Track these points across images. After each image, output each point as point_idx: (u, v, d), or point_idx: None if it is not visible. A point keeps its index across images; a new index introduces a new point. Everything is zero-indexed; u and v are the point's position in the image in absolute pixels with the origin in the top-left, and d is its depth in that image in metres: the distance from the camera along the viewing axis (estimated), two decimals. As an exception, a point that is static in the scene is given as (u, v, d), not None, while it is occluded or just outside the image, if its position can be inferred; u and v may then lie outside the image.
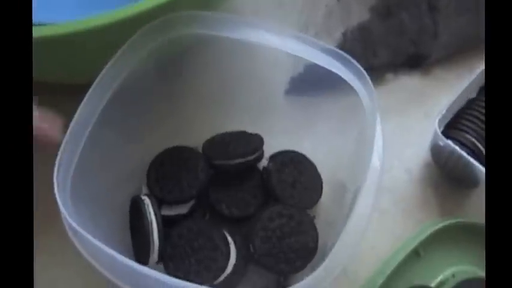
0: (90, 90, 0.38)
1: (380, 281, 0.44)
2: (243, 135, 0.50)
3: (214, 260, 0.42)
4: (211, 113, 0.52)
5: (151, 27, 0.42)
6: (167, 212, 0.45)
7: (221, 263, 0.42)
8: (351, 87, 0.46)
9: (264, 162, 0.49)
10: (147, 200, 0.43)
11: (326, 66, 0.43)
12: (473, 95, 0.51)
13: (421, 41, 0.55)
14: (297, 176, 0.48)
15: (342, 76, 0.42)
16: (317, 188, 0.48)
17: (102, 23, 0.39)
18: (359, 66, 0.42)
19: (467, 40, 0.57)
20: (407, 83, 0.57)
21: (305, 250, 0.43)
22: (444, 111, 0.47)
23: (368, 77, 0.41)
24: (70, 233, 0.33)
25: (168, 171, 0.47)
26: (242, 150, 0.47)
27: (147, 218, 0.42)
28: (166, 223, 0.43)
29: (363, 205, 0.36)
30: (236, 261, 0.43)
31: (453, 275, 0.46)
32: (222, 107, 0.52)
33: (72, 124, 0.37)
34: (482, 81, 0.52)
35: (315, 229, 0.45)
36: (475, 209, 0.50)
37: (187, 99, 0.52)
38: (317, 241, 0.44)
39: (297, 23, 0.57)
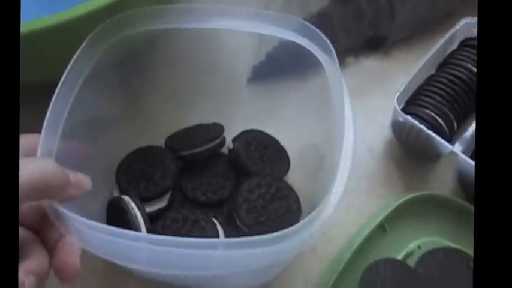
0: (54, 97, 0.37)
1: (347, 256, 0.45)
2: (203, 126, 0.52)
3: None
4: (173, 109, 0.53)
5: (108, 24, 0.42)
6: (148, 209, 0.46)
7: None
8: (312, 72, 0.47)
9: (228, 148, 0.50)
10: (126, 198, 0.43)
11: (291, 39, 0.43)
12: (432, 71, 0.53)
13: (379, 24, 0.56)
14: (263, 150, 0.50)
15: (303, 45, 0.43)
16: (284, 159, 0.50)
17: (61, 20, 0.39)
18: (323, 36, 0.42)
19: (424, 21, 0.58)
20: (368, 66, 0.58)
21: (289, 213, 0.45)
22: (402, 89, 0.48)
23: (331, 46, 0.41)
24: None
25: (137, 171, 0.48)
26: (205, 137, 0.49)
27: (131, 213, 0.42)
28: (152, 219, 0.44)
29: (343, 171, 0.38)
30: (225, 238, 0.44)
31: (419, 247, 0.47)
32: (184, 101, 0.53)
33: (44, 128, 0.36)
34: (440, 58, 0.53)
35: (294, 192, 0.46)
36: (437, 181, 0.51)
37: (149, 96, 0.53)
38: (299, 202, 0.46)
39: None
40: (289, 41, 0.44)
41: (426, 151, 0.49)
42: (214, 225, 0.45)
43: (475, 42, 0.52)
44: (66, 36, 0.41)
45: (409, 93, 0.50)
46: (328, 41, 0.42)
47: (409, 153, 0.52)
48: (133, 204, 0.42)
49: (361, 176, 0.51)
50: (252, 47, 0.56)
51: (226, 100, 0.53)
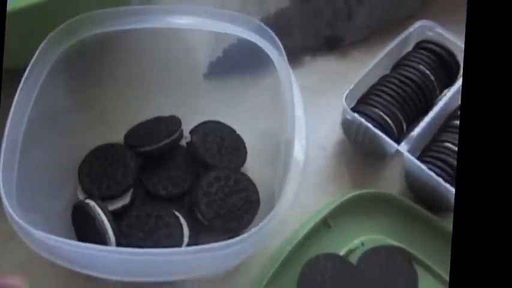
0: (14, 105, 0.38)
1: (288, 249, 0.45)
2: (160, 119, 0.52)
3: (169, 236, 0.44)
4: (132, 104, 0.53)
5: (60, 30, 0.43)
6: (112, 207, 0.46)
7: (176, 236, 0.44)
8: (266, 69, 0.47)
9: (186, 141, 0.51)
10: (92, 203, 0.43)
11: (239, 34, 0.45)
12: (387, 72, 0.53)
13: (336, 24, 0.57)
14: (220, 142, 0.50)
15: (254, 41, 0.44)
16: (241, 149, 0.51)
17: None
18: (273, 35, 0.43)
19: (382, 23, 0.59)
20: (324, 65, 0.58)
21: (249, 204, 0.46)
22: (352, 87, 0.49)
23: (281, 44, 0.42)
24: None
25: (99, 170, 0.48)
26: (164, 132, 0.49)
27: (98, 218, 0.42)
28: (116, 218, 0.44)
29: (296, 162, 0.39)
30: (189, 232, 0.45)
31: (362, 244, 0.48)
32: (143, 96, 0.53)
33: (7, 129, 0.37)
34: (395, 59, 0.54)
35: (253, 183, 0.47)
36: (387, 181, 0.51)
37: (108, 93, 0.53)
38: (258, 193, 0.47)
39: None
40: (246, 38, 0.46)
41: (373, 150, 0.49)
42: (178, 219, 0.45)
43: (429, 45, 0.53)
44: (21, 25, 0.41)
45: (360, 93, 0.51)
46: (277, 39, 0.42)
47: (360, 153, 0.52)
48: (99, 210, 0.43)
49: (311, 173, 0.51)
50: (209, 44, 0.56)
51: (184, 95, 0.53)
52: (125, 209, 0.46)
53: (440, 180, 0.45)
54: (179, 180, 0.48)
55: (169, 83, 0.53)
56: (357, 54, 0.59)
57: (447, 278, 0.46)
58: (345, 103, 0.48)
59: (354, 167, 0.52)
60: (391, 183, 0.51)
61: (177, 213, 0.45)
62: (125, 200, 0.46)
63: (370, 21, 0.58)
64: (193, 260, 0.34)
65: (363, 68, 0.55)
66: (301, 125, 0.40)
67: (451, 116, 0.51)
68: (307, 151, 0.39)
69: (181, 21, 0.46)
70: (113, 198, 0.46)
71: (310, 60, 0.58)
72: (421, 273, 0.47)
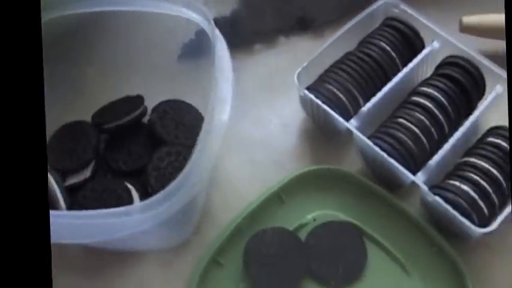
0: None
1: (237, 220, 0.47)
2: (126, 99, 0.55)
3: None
4: (106, 84, 0.56)
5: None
6: (74, 180, 0.50)
7: None
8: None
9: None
10: (49, 176, 0.47)
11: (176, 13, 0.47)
12: (351, 48, 0.53)
13: (308, 5, 0.58)
14: (179, 118, 0.52)
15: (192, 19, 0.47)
16: (200, 126, 0.52)
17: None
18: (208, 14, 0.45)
19: (357, 3, 0.58)
20: (298, 45, 0.59)
21: None
22: (305, 64, 0.50)
23: (211, 19, 0.45)
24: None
25: (63, 146, 0.51)
26: (126, 109, 0.52)
27: (51, 189, 0.46)
28: (75, 190, 0.48)
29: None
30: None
31: (314, 219, 0.49)
32: (117, 77, 0.56)
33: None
34: (360, 36, 0.54)
35: None
36: (348, 158, 0.52)
37: (83, 73, 0.56)
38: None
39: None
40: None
41: (328, 127, 0.50)
42: (130, 192, 0.48)
43: (393, 22, 0.53)
44: None
45: (320, 70, 0.52)
46: (208, 14, 0.44)
47: (321, 131, 0.53)
48: (53, 182, 0.46)
49: (273, 151, 0.53)
50: (183, 27, 0.58)
51: (158, 76, 0.56)
52: (86, 182, 0.49)
53: (385, 154, 0.46)
54: (138, 155, 0.51)
55: (145, 65, 0.56)
56: (331, 34, 0.59)
57: (398, 255, 0.47)
58: (296, 80, 0.49)
59: (316, 144, 0.53)
60: (352, 161, 0.52)
61: (130, 187, 0.47)
62: (86, 173, 0.49)
63: (344, 2, 0.58)
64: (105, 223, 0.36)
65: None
66: (225, 89, 0.42)
67: (412, 92, 0.50)
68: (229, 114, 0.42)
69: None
70: (74, 172, 0.49)
71: (285, 40, 0.59)
72: (372, 248, 0.48)
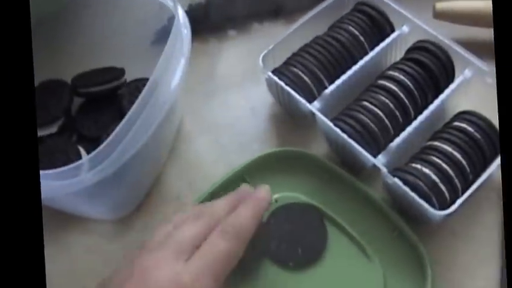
0: None
1: (201, 199, 0.47)
2: (110, 69, 0.56)
3: None
4: (83, 68, 0.57)
5: None
6: (40, 133, 0.51)
7: None
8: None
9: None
10: None
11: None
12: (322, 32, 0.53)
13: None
14: None
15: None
16: None
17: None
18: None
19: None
20: (271, 31, 0.59)
21: None
22: (271, 47, 0.50)
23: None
24: None
25: (38, 98, 0.52)
26: (103, 79, 0.54)
27: None
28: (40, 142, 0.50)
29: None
30: None
31: (276, 200, 0.48)
32: (94, 60, 0.56)
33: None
34: (331, 20, 0.53)
35: None
36: (313, 142, 0.52)
37: (63, 55, 0.57)
38: None
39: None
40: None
41: (292, 109, 0.50)
42: (80, 158, 0.49)
43: (363, 7, 0.53)
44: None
45: (287, 54, 0.51)
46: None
47: (288, 113, 0.53)
48: None
49: (239, 133, 0.53)
50: (156, 13, 0.58)
51: (132, 60, 0.56)
52: (50, 137, 0.51)
53: (345, 136, 0.45)
54: (103, 124, 0.52)
55: (121, 50, 0.56)
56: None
57: (359, 238, 0.46)
58: (261, 63, 0.49)
59: (283, 128, 0.53)
60: (319, 144, 0.51)
61: (83, 152, 0.48)
62: (52, 129, 0.51)
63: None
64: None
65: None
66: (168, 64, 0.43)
67: (379, 76, 0.50)
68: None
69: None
70: (41, 125, 0.51)
71: (258, 26, 0.59)
72: (333, 232, 0.47)
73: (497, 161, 0.46)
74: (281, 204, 0.48)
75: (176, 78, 0.44)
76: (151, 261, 0.36)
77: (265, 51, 0.49)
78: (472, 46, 0.55)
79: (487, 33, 0.57)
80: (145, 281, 0.35)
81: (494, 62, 0.55)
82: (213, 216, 0.39)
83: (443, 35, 0.50)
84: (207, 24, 0.59)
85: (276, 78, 0.48)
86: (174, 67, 0.45)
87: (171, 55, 0.44)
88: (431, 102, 0.48)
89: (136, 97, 0.52)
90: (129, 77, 0.55)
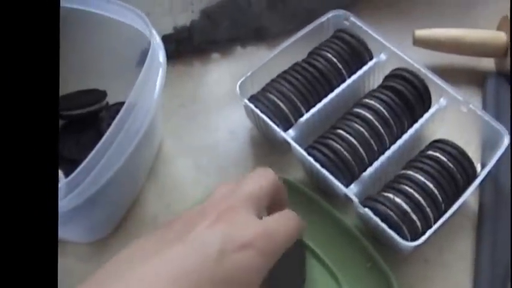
0: None
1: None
2: (92, 91, 0.57)
3: None
4: (68, 86, 0.57)
5: None
6: None
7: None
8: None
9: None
10: None
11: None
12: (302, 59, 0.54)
13: (264, 15, 0.58)
14: None
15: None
16: None
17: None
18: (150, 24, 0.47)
19: (313, 14, 0.59)
20: (254, 54, 0.60)
21: None
22: (249, 74, 0.50)
23: (147, 20, 0.47)
24: None
25: None
26: (84, 102, 0.55)
27: None
28: None
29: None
30: None
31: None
32: (80, 80, 0.57)
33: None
34: (311, 47, 0.54)
35: None
36: (290, 167, 0.52)
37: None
38: None
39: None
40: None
41: (269, 135, 0.51)
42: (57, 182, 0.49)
43: (341, 34, 0.53)
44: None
45: (266, 80, 0.52)
46: (153, 31, 0.45)
47: (266, 140, 0.53)
48: None
49: (216, 155, 0.53)
50: (140, 36, 0.59)
51: (117, 81, 0.57)
52: None
53: (318, 165, 0.46)
54: (84, 147, 0.53)
55: (106, 71, 0.57)
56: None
57: (332, 267, 0.47)
58: (238, 90, 0.49)
59: (261, 152, 0.53)
60: (295, 170, 0.52)
61: (61, 174, 0.49)
62: None
63: (300, 12, 0.59)
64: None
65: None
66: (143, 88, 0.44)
67: (355, 104, 0.51)
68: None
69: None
70: None
71: (241, 50, 0.60)
72: (308, 259, 0.47)
73: (471, 189, 0.46)
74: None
75: (153, 102, 0.45)
76: (228, 205, 0.36)
77: (243, 79, 0.50)
78: (450, 73, 0.56)
79: (465, 61, 0.58)
80: (232, 219, 0.35)
81: (470, 90, 0.56)
82: None
83: (420, 62, 0.51)
84: (191, 47, 0.60)
85: (252, 106, 0.48)
86: (151, 91, 0.46)
87: (147, 79, 0.45)
88: (408, 130, 0.49)
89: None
90: (114, 97, 0.56)
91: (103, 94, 0.55)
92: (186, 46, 0.59)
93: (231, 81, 0.58)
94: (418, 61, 0.51)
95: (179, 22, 0.60)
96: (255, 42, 0.60)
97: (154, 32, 0.47)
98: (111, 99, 0.56)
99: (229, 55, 0.60)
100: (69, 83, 0.56)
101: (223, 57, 0.60)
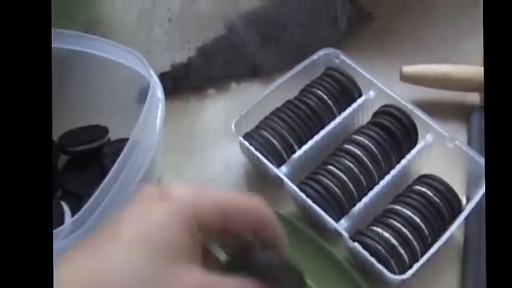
0: None
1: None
2: (95, 127, 0.59)
3: None
4: (68, 125, 0.60)
5: None
6: None
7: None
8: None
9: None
10: None
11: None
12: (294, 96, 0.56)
13: (258, 54, 0.61)
14: None
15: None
16: None
17: None
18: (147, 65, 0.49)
19: (305, 51, 0.61)
20: (248, 90, 0.62)
21: None
22: (243, 112, 0.52)
23: (145, 62, 0.49)
24: None
25: None
26: (87, 138, 0.57)
27: None
28: None
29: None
30: None
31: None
32: (81, 117, 0.59)
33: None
34: (303, 84, 0.56)
35: None
36: (283, 202, 0.54)
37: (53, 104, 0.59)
38: None
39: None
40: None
41: (262, 171, 0.53)
42: (62, 214, 0.51)
43: (331, 72, 0.56)
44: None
45: (260, 116, 0.54)
46: (151, 72, 0.47)
47: (261, 175, 0.55)
48: None
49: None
50: (139, 75, 0.61)
51: (118, 118, 0.59)
52: None
53: (309, 201, 0.48)
54: (87, 182, 0.55)
55: (107, 108, 0.59)
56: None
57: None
58: (233, 128, 0.51)
59: (255, 186, 0.55)
60: (288, 204, 0.54)
61: (66, 209, 0.51)
62: None
63: (292, 49, 0.61)
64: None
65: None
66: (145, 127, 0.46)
67: (345, 140, 0.53)
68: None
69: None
70: None
71: (236, 86, 0.63)
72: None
73: (456, 223, 0.48)
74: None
75: (154, 139, 0.47)
76: None
77: (238, 118, 0.52)
78: (437, 107, 0.58)
79: (452, 95, 0.60)
80: None
81: (457, 124, 0.58)
82: None
83: (408, 97, 0.53)
84: (187, 83, 0.62)
85: (246, 143, 0.51)
86: (152, 128, 0.48)
87: (148, 117, 0.47)
88: (395, 165, 0.51)
89: (118, 156, 0.55)
90: (116, 133, 0.58)
91: (105, 130, 0.57)
92: (183, 83, 0.62)
93: (226, 116, 0.61)
94: (405, 96, 0.53)
95: (176, 59, 0.62)
96: (249, 79, 0.63)
97: (152, 72, 0.49)
98: (112, 135, 0.58)
99: (225, 91, 0.62)
100: (72, 120, 0.59)
101: (219, 93, 0.62)
